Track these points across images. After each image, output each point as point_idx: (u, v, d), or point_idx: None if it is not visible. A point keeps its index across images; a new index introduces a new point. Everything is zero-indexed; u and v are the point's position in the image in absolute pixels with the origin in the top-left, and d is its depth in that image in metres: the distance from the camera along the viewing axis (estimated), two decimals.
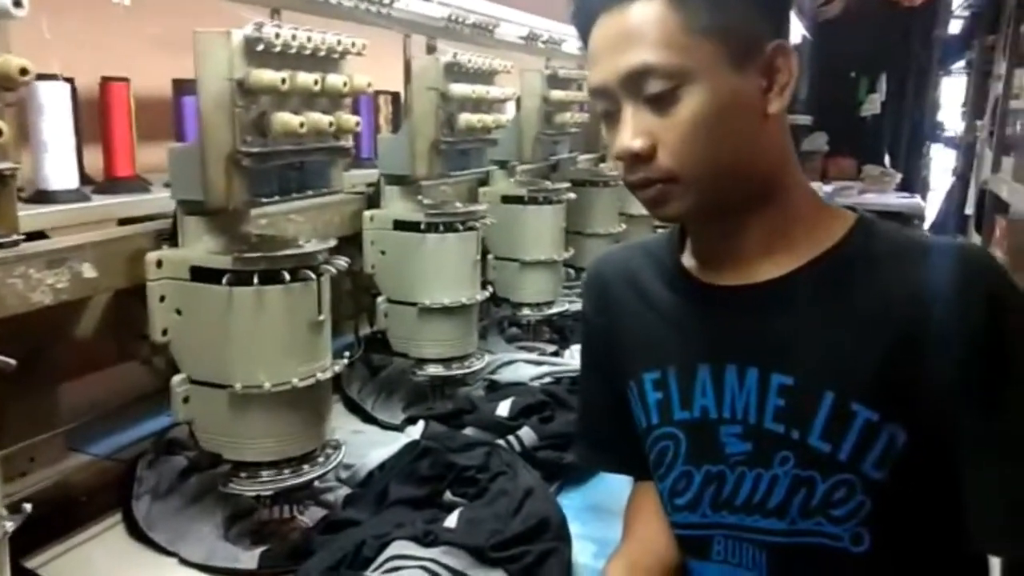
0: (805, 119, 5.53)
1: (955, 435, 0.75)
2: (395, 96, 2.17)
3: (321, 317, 1.14)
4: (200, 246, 1.13)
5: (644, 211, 2.32)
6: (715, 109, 0.76)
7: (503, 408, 1.52)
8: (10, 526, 0.74)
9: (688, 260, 0.92)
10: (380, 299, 1.61)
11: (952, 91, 6.81)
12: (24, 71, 0.69)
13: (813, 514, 0.80)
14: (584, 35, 0.83)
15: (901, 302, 0.77)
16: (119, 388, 1.52)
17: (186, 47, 1.05)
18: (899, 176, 5.79)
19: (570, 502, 1.33)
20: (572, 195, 2.10)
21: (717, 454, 0.86)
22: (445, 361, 1.64)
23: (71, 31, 1.23)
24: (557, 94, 2.04)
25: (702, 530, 0.88)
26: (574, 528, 1.17)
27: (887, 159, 6.15)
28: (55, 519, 1.21)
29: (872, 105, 6.21)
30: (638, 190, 0.83)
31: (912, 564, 0.80)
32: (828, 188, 5.34)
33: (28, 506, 0.78)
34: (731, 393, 0.85)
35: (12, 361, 0.74)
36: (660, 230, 1.01)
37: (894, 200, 5.31)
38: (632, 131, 0.79)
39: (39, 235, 1.09)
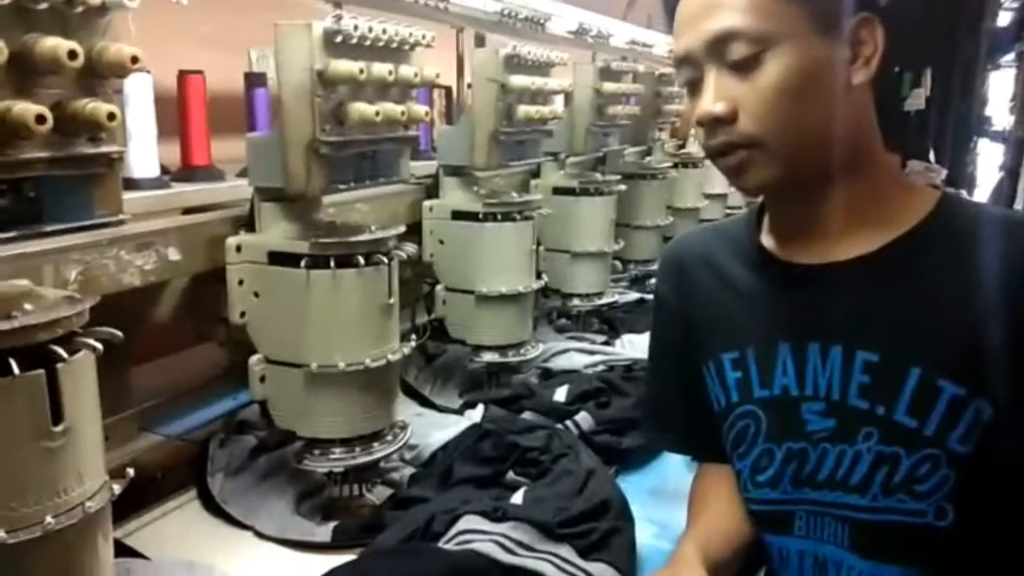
0: None
1: None
2: (447, 90, 2.21)
3: (392, 300, 1.18)
4: (277, 231, 1.17)
5: (691, 204, 2.34)
6: (799, 75, 0.77)
7: (560, 394, 1.55)
8: (117, 488, 0.79)
9: (767, 240, 0.93)
10: (439, 287, 1.65)
11: (1000, 85, 6.68)
12: (135, 59, 0.74)
13: (896, 490, 0.81)
14: (670, 8, 0.85)
15: (986, 278, 0.78)
16: (190, 371, 1.58)
17: (243, 43, 1.08)
18: (945, 172, 5.70)
19: (628, 486, 1.35)
20: (622, 187, 2.12)
21: (798, 431, 0.87)
22: (501, 348, 1.68)
23: (145, 26, 1.29)
24: (609, 86, 2.06)
25: (784, 506, 0.90)
26: (634, 510, 1.20)
27: (932, 154, 6.06)
28: (131, 495, 1.26)
29: (917, 100, 6.12)
30: (719, 157, 0.83)
31: (996, 538, 0.81)
32: None
33: (131, 471, 0.82)
34: (813, 371, 0.86)
35: (118, 333, 0.79)
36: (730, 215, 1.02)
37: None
38: (714, 95, 0.80)
39: (120, 222, 1.14)
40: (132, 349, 1.41)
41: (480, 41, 2.18)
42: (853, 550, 0.86)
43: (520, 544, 1.04)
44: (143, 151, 1.19)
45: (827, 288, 0.86)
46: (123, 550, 1.07)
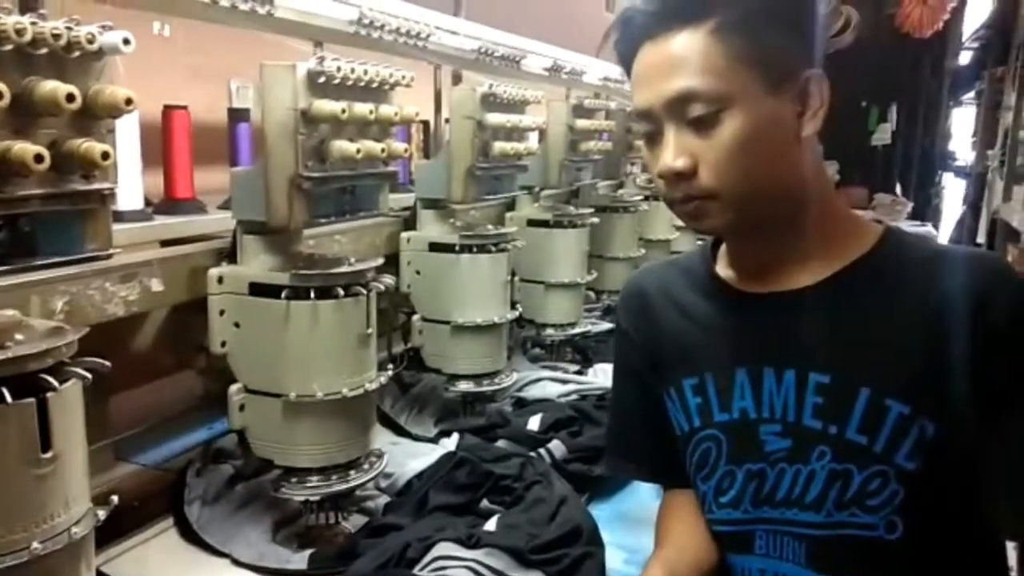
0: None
1: (979, 428, 0.82)
2: (425, 124, 2.26)
3: (370, 331, 1.21)
4: (257, 263, 1.20)
5: (662, 235, 2.40)
6: (753, 131, 0.83)
7: (534, 422, 1.58)
8: (102, 514, 0.81)
9: (723, 270, 0.98)
10: (415, 317, 1.68)
11: (963, 121, 6.88)
12: (129, 100, 0.77)
13: (848, 505, 0.86)
14: (626, 62, 0.90)
15: (930, 305, 0.83)
16: (167, 400, 1.59)
17: (225, 76, 1.12)
18: (910, 205, 5.84)
19: (599, 512, 1.38)
20: (595, 219, 2.17)
21: (757, 452, 0.91)
22: (476, 377, 1.71)
23: (130, 59, 1.32)
24: (582, 123, 2.12)
25: (744, 526, 0.94)
26: (604, 536, 1.23)
27: (898, 188, 6.22)
28: (109, 523, 1.27)
29: (883, 135, 6.29)
30: (678, 205, 0.89)
31: (942, 548, 0.85)
32: None
33: (115, 497, 0.84)
34: (769, 394, 0.90)
35: (106, 363, 0.81)
36: (700, 243, 1.07)
37: (906, 228, 5.35)
38: (675, 151, 0.85)
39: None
40: (112, 381, 1.42)
41: (457, 78, 2.24)
42: (810, 566, 0.90)
43: (493, 571, 1.07)
44: (128, 184, 1.22)
45: (780, 315, 0.91)
46: None
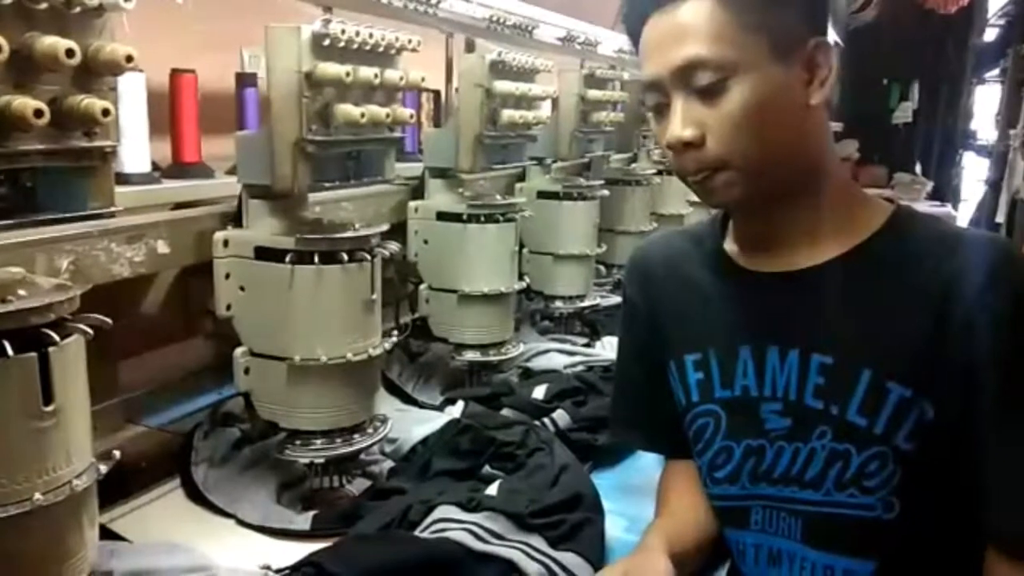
0: (836, 126, 5.53)
1: (978, 413, 0.81)
2: (436, 93, 2.25)
3: (374, 296, 1.21)
4: (263, 227, 1.20)
5: (675, 210, 2.39)
6: (761, 99, 0.82)
7: (539, 392, 1.59)
8: (103, 468, 0.82)
9: (730, 246, 0.98)
10: (422, 286, 1.69)
11: (986, 99, 6.76)
12: (130, 58, 0.77)
13: (847, 486, 0.86)
14: (634, 34, 0.90)
15: (935, 288, 0.82)
16: (177, 364, 1.61)
17: (236, 44, 1.12)
18: (930, 184, 5.77)
19: (602, 481, 1.38)
20: (606, 192, 2.16)
21: (757, 429, 0.92)
22: (483, 347, 1.71)
23: (139, 26, 1.32)
24: (594, 93, 2.10)
25: (741, 501, 0.94)
26: (606, 504, 1.23)
27: (918, 167, 6.14)
28: (116, 483, 1.29)
29: (904, 113, 6.20)
30: (689, 177, 0.88)
31: (939, 531, 0.85)
32: None
33: (117, 453, 0.86)
34: (772, 372, 0.91)
35: (108, 320, 0.82)
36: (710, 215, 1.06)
37: (925, 208, 5.30)
38: (682, 121, 0.85)
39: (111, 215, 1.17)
40: (121, 342, 1.44)
41: (470, 47, 2.22)
42: (805, 543, 0.90)
43: (492, 533, 1.08)
44: (135, 147, 1.22)
45: (786, 295, 0.91)
46: (107, 534, 1.10)
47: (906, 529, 0.85)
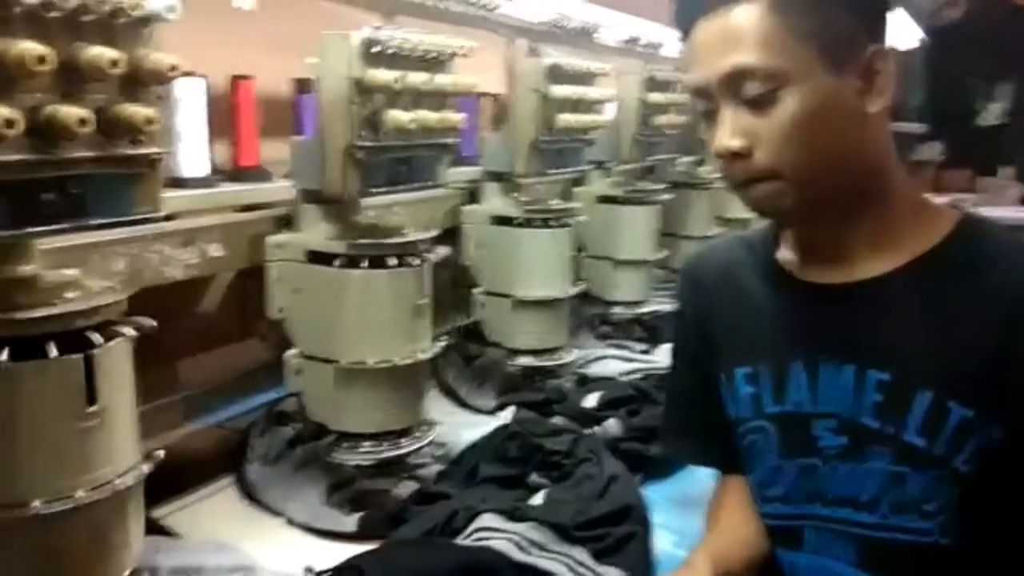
0: (919, 128, 5.33)
1: None
2: (497, 98, 2.24)
3: (423, 301, 1.21)
4: (316, 231, 1.22)
5: (741, 215, 2.32)
6: (812, 110, 0.78)
7: (591, 400, 1.57)
8: (146, 468, 0.84)
9: (785, 255, 0.94)
10: (477, 291, 1.69)
11: None
12: (174, 67, 0.79)
13: (905, 509, 0.81)
14: (685, 37, 0.87)
15: (1004, 301, 0.77)
16: (235, 364, 1.64)
17: (297, 50, 1.14)
18: (1021, 189, 5.50)
19: (653, 493, 1.36)
20: (666, 196, 2.12)
21: (810, 447, 0.88)
22: (537, 352, 1.70)
23: (200, 32, 1.35)
24: (655, 97, 2.07)
25: (794, 520, 0.90)
26: (656, 518, 1.21)
27: (1007, 171, 5.86)
28: (172, 478, 1.32)
29: (991, 114, 5.94)
30: (739, 188, 0.85)
31: (998, 556, 0.80)
32: (940, 200, 5.13)
33: (161, 452, 0.88)
34: (826, 388, 0.86)
35: (152, 322, 0.84)
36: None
37: (1011, 214, 5.06)
38: (731, 130, 0.81)
39: (167, 218, 1.20)
40: (180, 342, 1.48)
41: (533, 52, 2.21)
42: (860, 566, 0.86)
43: (535, 544, 1.07)
44: (192, 151, 1.25)
45: (842, 308, 0.86)
46: (158, 529, 1.13)
47: (965, 555, 0.80)
